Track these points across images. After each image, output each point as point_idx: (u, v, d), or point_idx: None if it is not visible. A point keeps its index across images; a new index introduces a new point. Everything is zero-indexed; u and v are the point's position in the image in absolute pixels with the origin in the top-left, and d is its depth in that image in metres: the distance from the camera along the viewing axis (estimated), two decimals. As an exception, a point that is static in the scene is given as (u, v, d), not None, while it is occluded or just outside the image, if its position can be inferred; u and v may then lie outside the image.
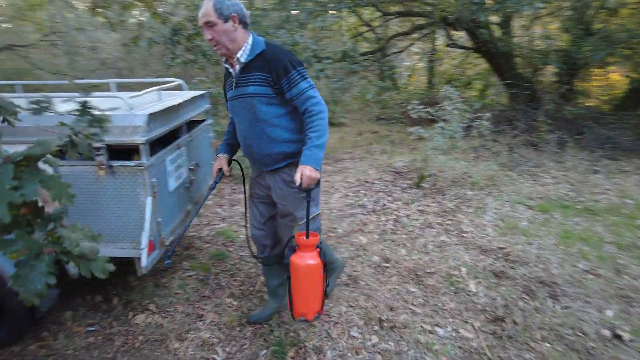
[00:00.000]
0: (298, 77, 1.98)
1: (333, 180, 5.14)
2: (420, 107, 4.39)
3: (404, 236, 3.64)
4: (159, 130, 2.37)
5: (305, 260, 2.01)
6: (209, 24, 1.96)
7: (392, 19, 8.47)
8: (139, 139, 2.17)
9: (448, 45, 8.31)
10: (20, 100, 2.22)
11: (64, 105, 2.06)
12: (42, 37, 8.52)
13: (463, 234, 3.63)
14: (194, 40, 5.27)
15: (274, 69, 1.98)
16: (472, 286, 2.89)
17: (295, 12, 5.96)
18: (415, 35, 9.68)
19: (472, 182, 4.70)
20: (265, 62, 2.00)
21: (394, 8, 7.50)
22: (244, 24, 2.03)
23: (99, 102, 2.57)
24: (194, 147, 2.97)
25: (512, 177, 4.98)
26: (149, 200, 2.25)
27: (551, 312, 2.62)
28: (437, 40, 10.02)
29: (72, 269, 2.37)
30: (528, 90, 6.73)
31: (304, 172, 1.96)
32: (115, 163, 2.20)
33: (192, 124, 3.26)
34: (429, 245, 3.47)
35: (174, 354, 2.30)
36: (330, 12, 7.57)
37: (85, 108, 1.60)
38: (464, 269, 3.09)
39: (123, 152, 2.29)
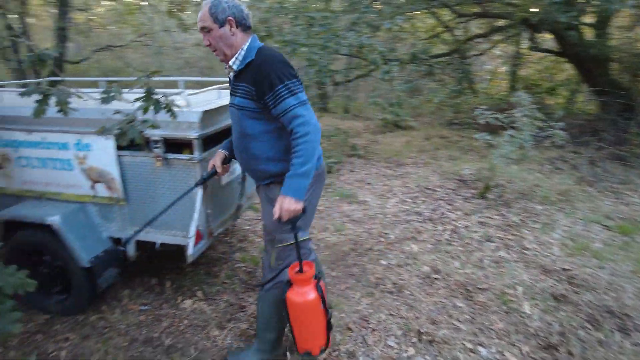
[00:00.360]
0: (285, 92, 1.76)
1: (392, 184, 5.04)
2: (489, 112, 4.14)
3: (460, 248, 3.46)
4: (214, 127, 2.49)
5: (303, 296, 1.86)
6: (205, 29, 1.86)
7: (468, 20, 8.08)
8: (192, 134, 2.30)
9: (530, 49, 7.75)
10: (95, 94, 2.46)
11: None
12: (135, 39, 9.36)
13: (525, 251, 3.37)
14: (265, 41, 5.46)
15: (258, 82, 1.79)
16: (526, 307, 2.67)
17: (370, 15, 5.93)
18: (498, 37, 9.17)
19: (543, 196, 4.34)
20: (251, 74, 1.82)
21: (472, 9, 7.15)
22: (243, 26, 1.87)
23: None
24: (250, 145, 3.08)
25: (591, 194, 4.52)
26: (199, 193, 2.37)
27: (618, 347, 2.34)
28: (519, 43, 9.41)
29: (131, 251, 2.58)
30: (622, 99, 6.06)
31: (283, 204, 1.76)
32: (170, 156, 2.35)
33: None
34: (485, 259, 3.27)
35: (213, 340, 2.40)
36: (406, 13, 7.44)
37: (149, 94, 1.70)
38: (520, 289, 2.87)
39: (179, 145, 2.45)
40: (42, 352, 2.28)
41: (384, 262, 3.25)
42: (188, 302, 2.73)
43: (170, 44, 9.43)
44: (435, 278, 3.04)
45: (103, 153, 2.41)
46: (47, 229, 2.36)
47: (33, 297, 2.60)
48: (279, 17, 5.71)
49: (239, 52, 1.88)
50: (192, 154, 2.34)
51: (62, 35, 6.26)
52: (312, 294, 1.86)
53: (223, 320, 2.57)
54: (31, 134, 2.48)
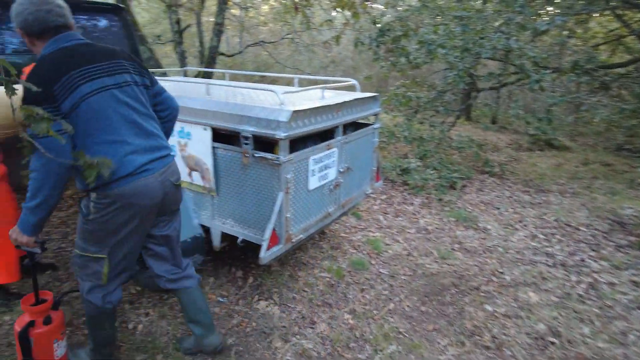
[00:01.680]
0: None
1: (525, 213, 4.29)
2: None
3: (596, 310, 2.73)
4: (305, 129, 2.34)
5: (17, 321, 1.88)
6: None
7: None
8: (279, 134, 2.19)
9: None
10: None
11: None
12: (284, 36, 9.88)
13: (695, 336, 2.48)
14: (398, 42, 5.14)
15: None
16: (680, 419, 1.93)
17: (526, 16, 5.15)
18: None
19: None
20: None
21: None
22: (37, 34, 1.67)
23: (254, 94, 2.73)
24: (351, 150, 2.86)
25: None
26: (280, 195, 2.26)
27: None
28: None
29: (216, 242, 2.62)
30: None
31: (11, 232, 1.71)
32: (257, 154, 2.28)
33: (358, 126, 3.17)
34: (631, 334, 2.50)
35: (273, 352, 2.27)
36: (579, 15, 6.32)
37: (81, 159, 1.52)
38: (676, 388, 2.10)
39: (272, 144, 2.37)
40: (124, 321, 2.45)
41: (488, 308, 2.73)
42: (262, 304, 2.66)
43: (317, 42, 9.71)
44: (551, 342, 2.42)
45: (201, 143, 2.47)
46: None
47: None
48: (417, 16, 5.33)
49: None
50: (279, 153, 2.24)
51: (218, 30, 6.89)
52: (16, 326, 1.84)
53: (289, 332, 2.43)
54: (147, 119, 2.67)
